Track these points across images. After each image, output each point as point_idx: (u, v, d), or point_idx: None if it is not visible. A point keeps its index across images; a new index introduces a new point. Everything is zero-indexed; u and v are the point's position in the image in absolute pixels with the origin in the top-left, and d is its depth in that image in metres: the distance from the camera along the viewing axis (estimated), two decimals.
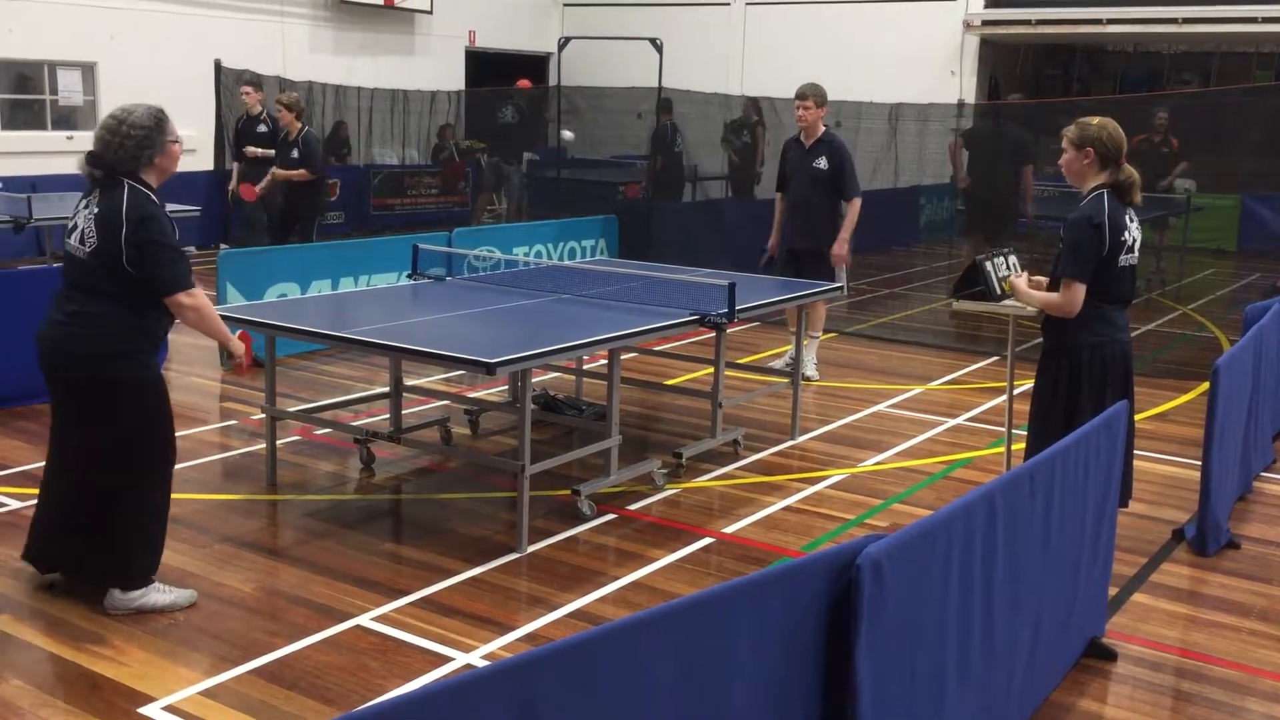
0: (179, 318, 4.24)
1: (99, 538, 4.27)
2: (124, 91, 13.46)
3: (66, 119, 14.45)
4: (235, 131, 11.44)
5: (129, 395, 4.16)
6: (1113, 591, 4.57)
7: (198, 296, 4.20)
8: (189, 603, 4.37)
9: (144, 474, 4.26)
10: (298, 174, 9.64)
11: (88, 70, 14.54)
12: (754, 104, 15.15)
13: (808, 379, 7.95)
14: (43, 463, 5.87)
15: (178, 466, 5.98)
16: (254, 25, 15.96)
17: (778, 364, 8.16)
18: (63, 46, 14.09)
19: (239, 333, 4.78)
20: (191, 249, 13.24)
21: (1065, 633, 3.97)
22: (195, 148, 14.43)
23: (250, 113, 11.33)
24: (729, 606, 2.48)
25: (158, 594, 4.32)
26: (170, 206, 10.20)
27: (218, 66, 13.99)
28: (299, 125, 9.75)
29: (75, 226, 4.18)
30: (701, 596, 2.44)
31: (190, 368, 8.07)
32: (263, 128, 11.21)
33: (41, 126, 14.25)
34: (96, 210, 4.10)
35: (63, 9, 13.94)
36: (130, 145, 4.08)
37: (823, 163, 7.73)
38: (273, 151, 10.86)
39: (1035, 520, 3.52)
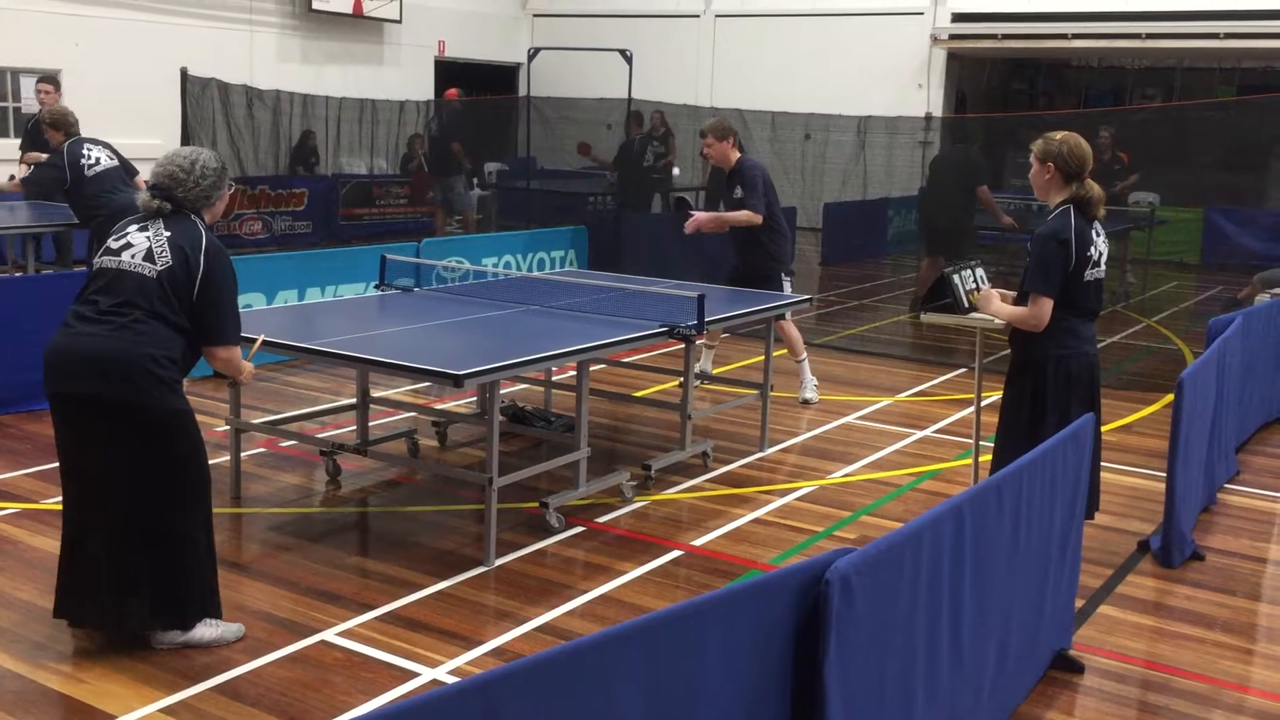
0: (209, 362, 4.23)
1: (146, 576, 4.06)
2: (88, 99, 13.33)
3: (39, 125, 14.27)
4: (26, 132, 10.92)
5: (170, 426, 4.02)
6: (1079, 604, 4.59)
7: (234, 351, 4.24)
8: (236, 637, 4.21)
9: (188, 506, 4.10)
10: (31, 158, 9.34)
11: (51, 77, 14.38)
12: (660, 115, 15.26)
13: (807, 402, 7.90)
14: (3, 475, 5.82)
15: None
16: (222, 33, 15.86)
17: (704, 366, 8.12)
18: (26, 53, 13.95)
19: (251, 350, 4.65)
20: None
21: (1033, 645, 3.98)
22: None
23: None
24: (698, 621, 2.47)
25: (205, 629, 4.16)
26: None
27: (184, 75, 13.86)
28: (61, 139, 9.09)
29: (129, 245, 4.07)
30: (670, 612, 2.43)
31: None
32: None
33: (4, 134, 14.08)
34: (169, 235, 4.07)
35: (26, 15, 13.81)
36: (205, 185, 4.19)
37: (738, 191, 7.63)
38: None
39: (1003, 533, 3.53)
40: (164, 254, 4.03)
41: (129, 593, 4.07)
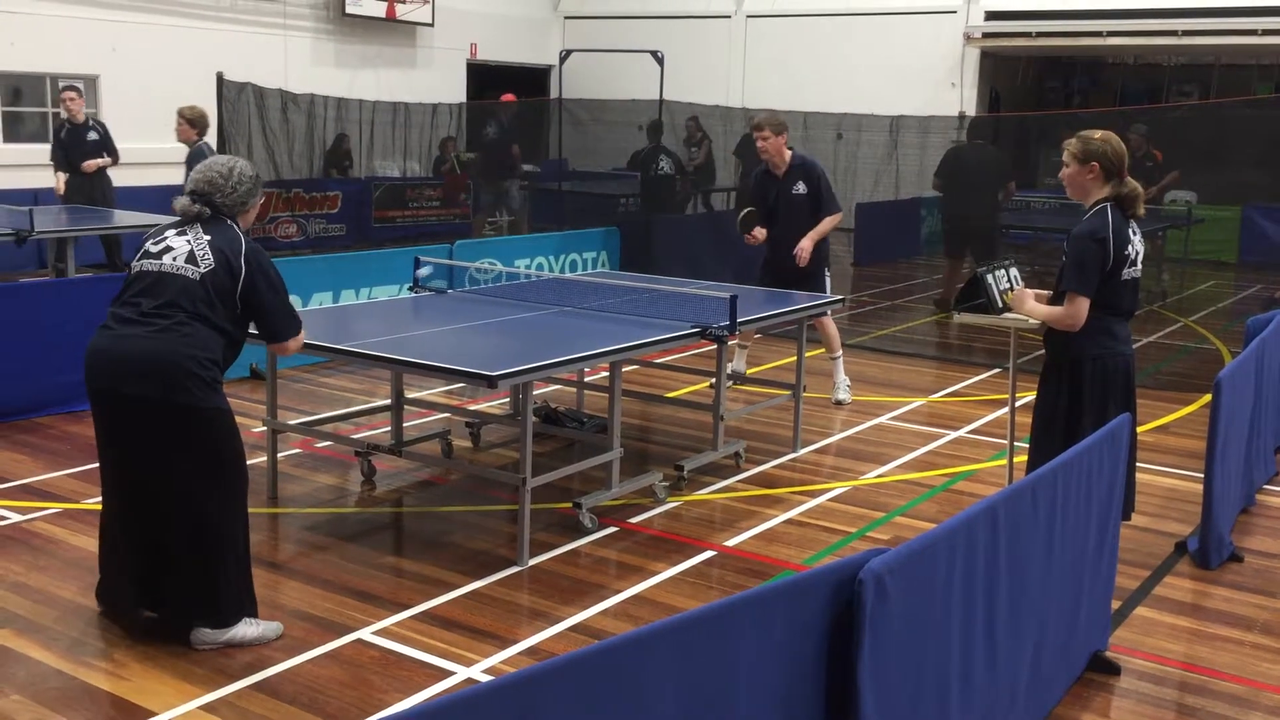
0: (283, 355, 4.60)
1: (187, 574, 4.13)
2: (126, 104, 13.54)
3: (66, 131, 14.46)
4: (60, 141, 10.95)
5: (222, 425, 4.10)
6: (1116, 605, 4.56)
7: (301, 338, 4.53)
8: (276, 636, 4.25)
9: (229, 504, 4.16)
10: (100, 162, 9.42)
11: (89, 83, 14.58)
12: (695, 121, 15.27)
13: (840, 403, 7.88)
14: (44, 475, 5.90)
15: None
16: (256, 38, 16.01)
17: (737, 366, 8.06)
18: (64, 59, 14.13)
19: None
20: None
21: (1068, 647, 3.96)
22: None
23: (75, 120, 10.95)
24: (731, 621, 2.48)
25: (246, 627, 4.21)
26: (168, 219, 10.19)
27: (220, 79, 13.99)
28: (195, 138, 9.34)
29: (169, 249, 4.15)
30: (704, 611, 2.43)
31: None
32: (92, 135, 11.02)
33: (43, 139, 14.26)
34: (209, 238, 4.16)
35: (64, 22, 13.99)
36: (242, 191, 4.31)
37: (800, 187, 7.61)
38: (109, 160, 10.93)
39: (1038, 533, 3.51)
40: (206, 257, 4.12)
41: (169, 590, 4.15)
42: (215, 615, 4.15)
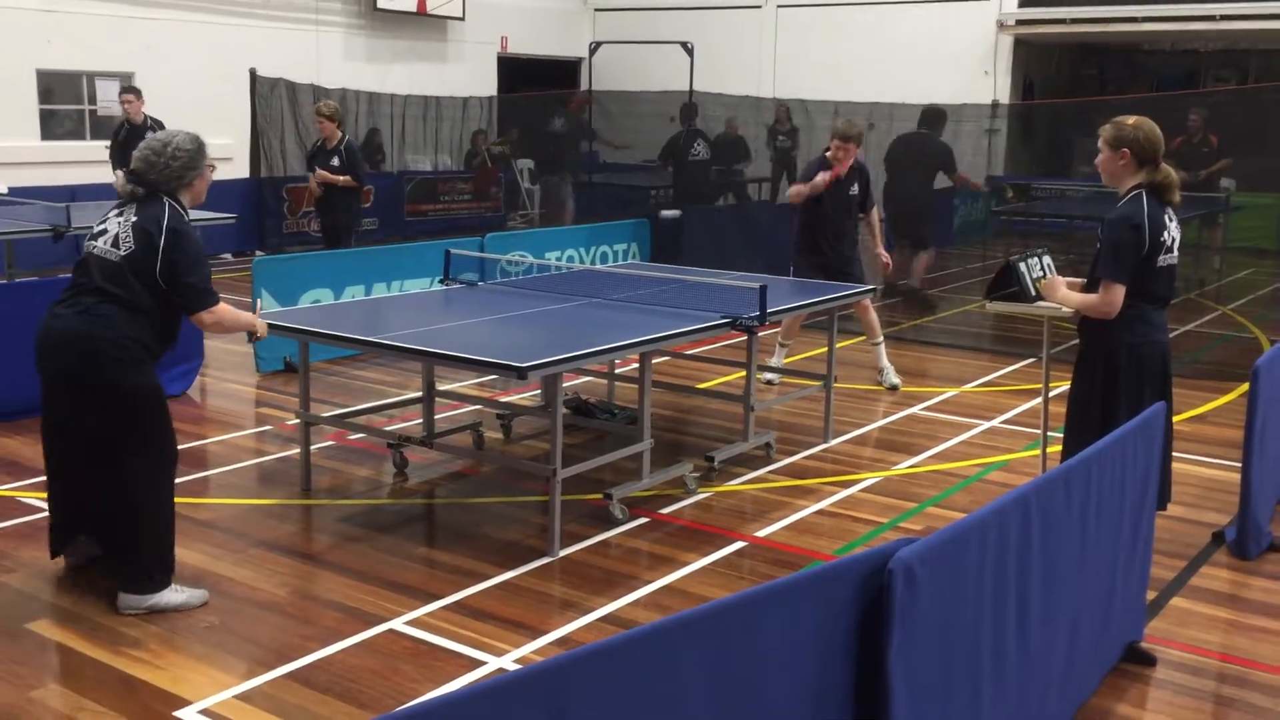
0: (203, 330, 4.51)
1: (110, 537, 4.40)
2: (161, 101, 13.62)
3: (104, 129, 14.61)
4: (117, 142, 11.04)
5: (145, 400, 4.29)
6: (1151, 595, 4.51)
7: (217, 311, 4.39)
8: (200, 603, 4.43)
9: (157, 474, 4.36)
10: (342, 179, 9.63)
11: (126, 80, 14.71)
12: (786, 109, 15.12)
13: (894, 387, 7.98)
14: None
15: (213, 472, 6.10)
16: (289, 34, 16.09)
17: (771, 376, 8.01)
18: (101, 57, 14.26)
19: (257, 310, 5.05)
20: (228, 255, 13.41)
21: (1103, 637, 3.92)
22: (231, 156, 14.57)
23: (133, 121, 11.08)
24: (760, 610, 2.47)
25: (171, 594, 4.40)
26: (207, 214, 10.37)
27: (253, 75, 14.11)
28: (339, 134, 9.72)
29: (105, 231, 4.33)
30: (733, 600, 2.43)
31: (224, 373, 8.14)
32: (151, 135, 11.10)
33: (80, 136, 14.42)
34: (135, 219, 4.28)
35: (101, 20, 14.11)
36: (176, 166, 4.36)
37: (855, 189, 7.83)
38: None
39: (1071, 523, 3.48)
40: (128, 239, 4.25)
41: (99, 548, 4.49)
42: (134, 582, 4.34)
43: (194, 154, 4.38)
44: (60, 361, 4.25)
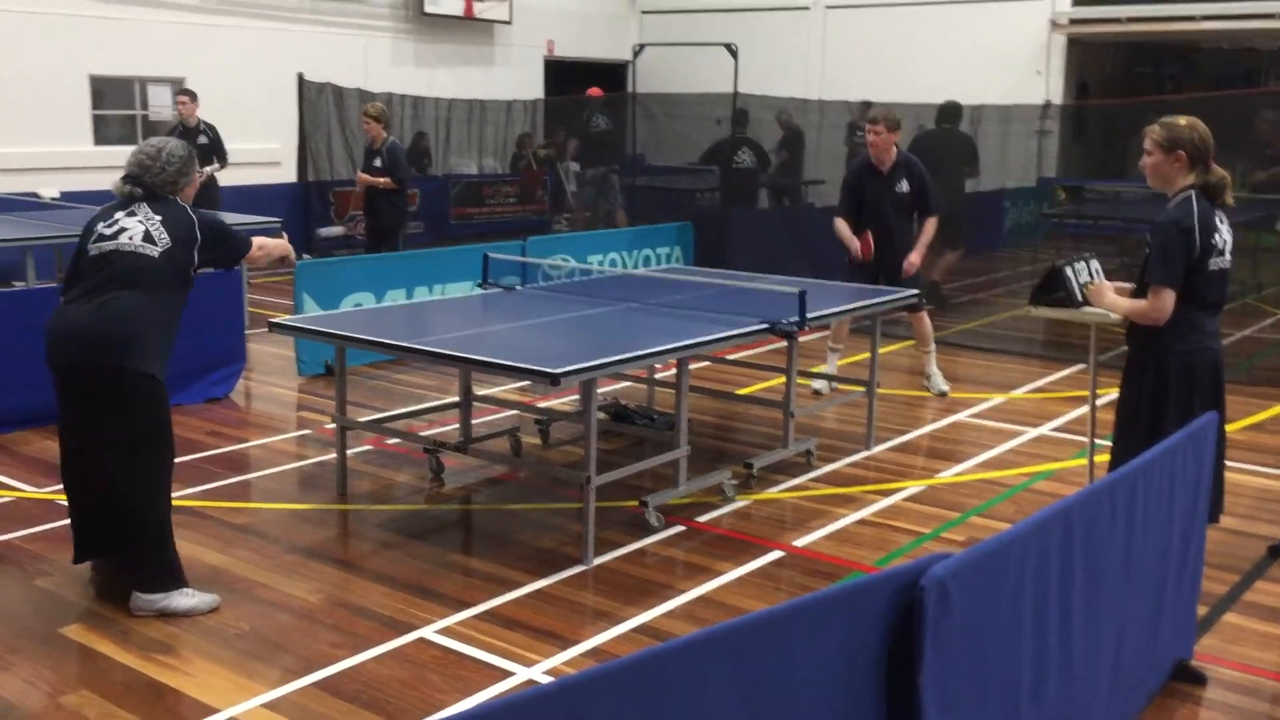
0: (254, 263, 5.01)
1: (120, 539, 4.43)
2: (211, 106, 13.78)
3: (156, 133, 14.78)
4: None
5: (150, 392, 4.34)
6: (1202, 611, 4.36)
7: (256, 241, 4.81)
8: (211, 607, 4.44)
9: (156, 475, 4.41)
10: (382, 181, 9.68)
11: (177, 85, 14.87)
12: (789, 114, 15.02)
13: (943, 393, 7.85)
14: None
15: (252, 475, 6.12)
16: (338, 39, 16.18)
17: (820, 385, 7.88)
18: (153, 62, 14.42)
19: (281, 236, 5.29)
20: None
21: (1150, 655, 3.79)
22: (280, 160, 14.70)
23: (187, 124, 11.18)
24: (789, 627, 2.39)
25: (182, 598, 4.41)
26: (250, 218, 10.43)
27: (300, 80, 14.21)
28: (384, 135, 9.80)
29: (123, 229, 4.40)
30: (761, 616, 2.35)
31: (267, 377, 8.17)
32: (202, 139, 11.19)
33: (133, 141, 14.57)
34: (161, 217, 4.43)
35: (153, 26, 14.27)
36: (171, 171, 4.55)
37: (904, 185, 7.54)
38: (218, 165, 11.30)
39: (1116, 537, 3.35)
40: (163, 236, 4.39)
41: (112, 547, 4.51)
42: (143, 581, 4.37)
43: (186, 160, 4.57)
44: (76, 356, 4.30)
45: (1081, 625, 3.20)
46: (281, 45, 15.25)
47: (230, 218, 10.46)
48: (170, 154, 4.52)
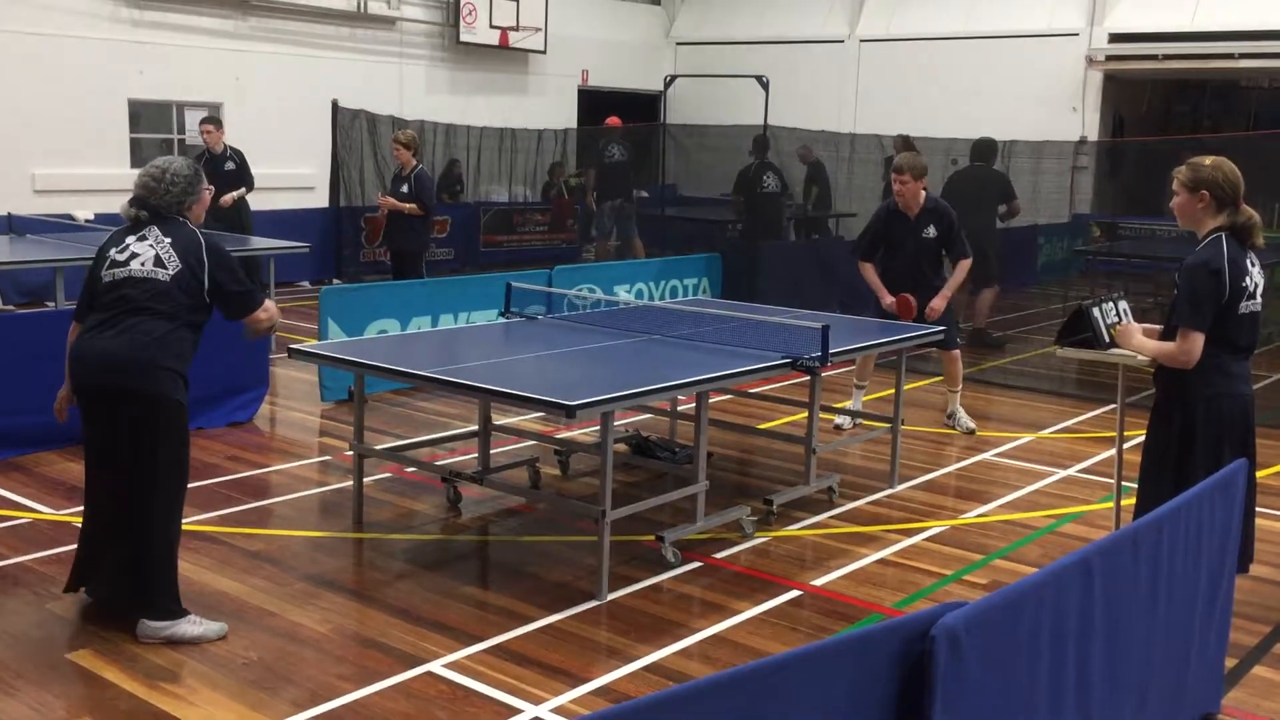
0: (256, 329, 4.62)
1: (132, 563, 4.39)
2: (247, 131, 13.92)
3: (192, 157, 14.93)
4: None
5: (173, 417, 4.33)
6: (1230, 663, 4.24)
7: (269, 306, 4.62)
8: (218, 635, 4.40)
9: (173, 501, 4.40)
10: (408, 207, 9.71)
11: (214, 110, 15.04)
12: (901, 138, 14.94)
13: (970, 431, 7.74)
14: None
15: (269, 501, 6.10)
16: (374, 66, 16.33)
17: (842, 420, 7.79)
18: (190, 87, 14.60)
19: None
20: (305, 283, 13.57)
21: (1175, 709, 3.67)
22: (313, 185, 14.81)
23: (213, 151, 11.21)
24: (795, 674, 2.31)
25: (189, 625, 4.38)
26: (279, 243, 10.46)
27: (334, 106, 14.33)
28: (413, 162, 9.85)
29: (135, 255, 4.39)
30: (766, 664, 2.28)
31: (290, 402, 8.17)
32: (229, 165, 11.23)
33: None
34: (170, 240, 4.41)
35: (191, 52, 14.45)
36: (176, 191, 4.51)
37: (931, 231, 7.45)
38: (244, 190, 11.30)
39: (1139, 587, 3.26)
40: (173, 259, 4.37)
41: (118, 571, 4.46)
42: (153, 607, 4.34)
43: (191, 179, 4.52)
44: (100, 379, 4.30)
45: (1101, 678, 3.10)
46: (317, 72, 15.40)
47: (262, 242, 10.56)
48: (175, 174, 4.48)
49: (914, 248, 7.47)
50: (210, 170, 11.11)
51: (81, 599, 4.64)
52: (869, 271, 7.56)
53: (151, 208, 4.45)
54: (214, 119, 11.46)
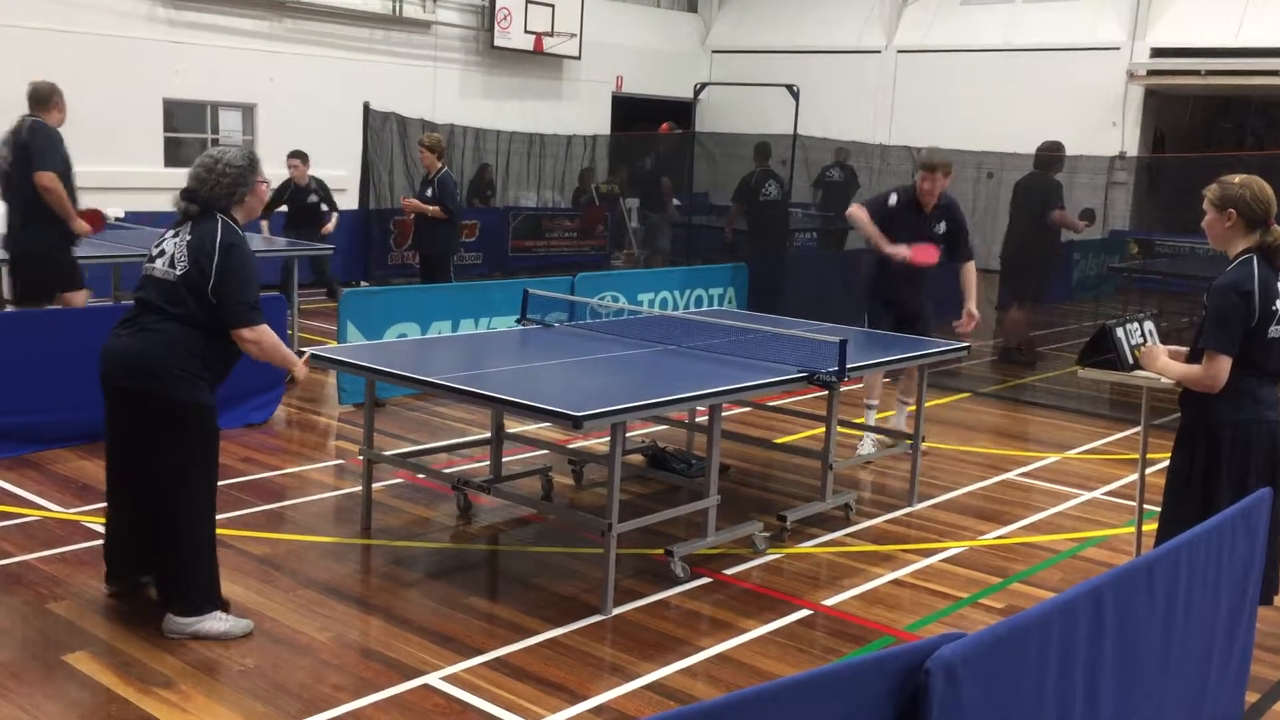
0: (243, 349, 4.41)
1: (158, 558, 4.39)
2: (280, 132, 13.98)
3: None
4: (280, 200, 11.34)
5: (185, 417, 4.28)
6: (1252, 699, 4.10)
7: (259, 331, 4.36)
8: (244, 633, 4.39)
9: (199, 499, 4.36)
10: (431, 209, 9.68)
11: (247, 111, 15.12)
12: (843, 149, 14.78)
13: (867, 460, 7.21)
14: None
15: (278, 505, 6.05)
16: (408, 70, 16.37)
17: (867, 450, 7.33)
18: (225, 88, 14.69)
19: (304, 356, 5.00)
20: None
21: None
22: (345, 188, 14.82)
23: (298, 184, 11.37)
24: (784, 705, 2.22)
25: (215, 621, 4.36)
26: (303, 245, 10.43)
27: (366, 108, 14.34)
28: (438, 165, 9.82)
29: (163, 253, 4.38)
30: (753, 693, 2.18)
31: (309, 404, 8.14)
32: (312, 198, 11.42)
33: None
34: (189, 238, 4.33)
35: (226, 53, 14.53)
36: (226, 183, 4.38)
37: (942, 227, 7.27)
38: (335, 217, 11.63)
39: (1154, 620, 3.13)
40: (183, 259, 4.29)
41: (146, 568, 4.50)
42: (179, 602, 4.32)
43: (244, 169, 4.40)
44: (120, 380, 4.31)
45: (1111, 714, 2.98)
46: (351, 74, 15.44)
47: (284, 242, 10.55)
48: (228, 164, 4.36)
49: (920, 241, 7.28)
50: (293, 201, 11.36)
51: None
52: (863, 215, 7.29)
53: (202, 200, 4.34)
54: (300, 153, 11.59)
